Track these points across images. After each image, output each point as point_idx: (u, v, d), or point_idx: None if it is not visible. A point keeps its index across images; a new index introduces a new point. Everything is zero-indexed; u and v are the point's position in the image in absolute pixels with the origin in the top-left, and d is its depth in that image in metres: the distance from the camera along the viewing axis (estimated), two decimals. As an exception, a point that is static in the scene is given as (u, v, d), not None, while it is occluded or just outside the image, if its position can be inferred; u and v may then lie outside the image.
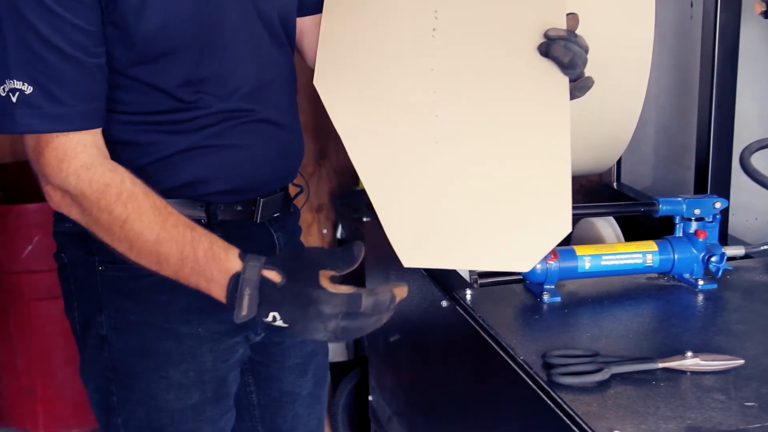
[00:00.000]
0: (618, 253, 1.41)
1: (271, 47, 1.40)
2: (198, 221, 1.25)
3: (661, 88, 2.02)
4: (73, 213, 1.23)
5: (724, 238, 1.71)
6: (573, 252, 1.39)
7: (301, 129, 1.51)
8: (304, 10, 1.49)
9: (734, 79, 1.69)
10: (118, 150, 1.28)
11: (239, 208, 1.40)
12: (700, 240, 1.42)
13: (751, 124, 1.76)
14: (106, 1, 1.20)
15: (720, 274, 1.41)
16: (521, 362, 1.16)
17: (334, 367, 2.75)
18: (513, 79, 1.35)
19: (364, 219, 1.91)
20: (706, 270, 1.42)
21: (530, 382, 1.12)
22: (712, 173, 1.72)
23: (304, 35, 1.52)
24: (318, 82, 1.37)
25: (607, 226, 1.72)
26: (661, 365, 1.11)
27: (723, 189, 1.71)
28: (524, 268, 1.28)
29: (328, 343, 1.70)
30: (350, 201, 2.74)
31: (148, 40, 1.24)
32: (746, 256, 1.51)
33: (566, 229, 1.26)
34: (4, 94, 1.18)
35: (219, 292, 1.18)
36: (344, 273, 1.18)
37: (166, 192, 1.26)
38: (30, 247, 2.59)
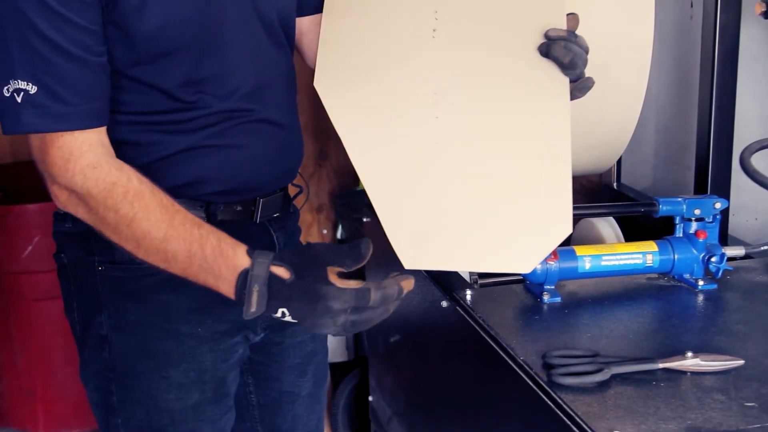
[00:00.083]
0: (618, 254, 1.41)
1: (271, 47, 1.40)
2: (198, 221, 1.25)
3: (661, 88, 2.02)
4: (80, 212, 1.23)
5: (724, 239, 1.71)
6: (573, 252, 1.39)
7: (301, 129, 1.51)
8: (304, 10, 1.49)
9: (734, 80, 1.70)
10: (118, 150, 1.27)
11: (239, 208, 1.40)
12: (700, 240, 1.42)
13: (751, 124, 1.76)
14: (106, 1, 1.20)
15: (720, 274, 1.41)
16: (521, 362, 1.16)
17: (334, 367, 2.75)
18: (513, 79, 1.35)
19: (364, 219, 1.91)
20: (706, 270, 1.42)
21: (530, 383, 1.12)
22: (712, 173, 1.72)
23: (303, 35, 1.52)
24: (318, 83, 1.37)
25: (607, 227, 1.72)
26: (661, 365, 1.11)
27: (723, 189, 1.71)
28: (525, 269, 1.28)
29: (334, 337, 1.71)
30: (350, 201, 2.74)
31: (148, 40, 1.24)
32: (746, 257, 1.51)
33: (567, 230, 1.26)
34: (8, 95, 1.18)
35: (227, 289, 1.18)
36: (351, 270, 1.19)
37: (166, 192, 1.26)
38: (30, 248, 2.59)
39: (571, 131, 1.31)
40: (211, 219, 1.36)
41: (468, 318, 1.33)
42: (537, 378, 1.12)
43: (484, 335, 1.27)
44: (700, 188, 1.75)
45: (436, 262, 1.29)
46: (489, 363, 1.25)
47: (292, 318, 1.16)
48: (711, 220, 1.46)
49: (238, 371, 1.48)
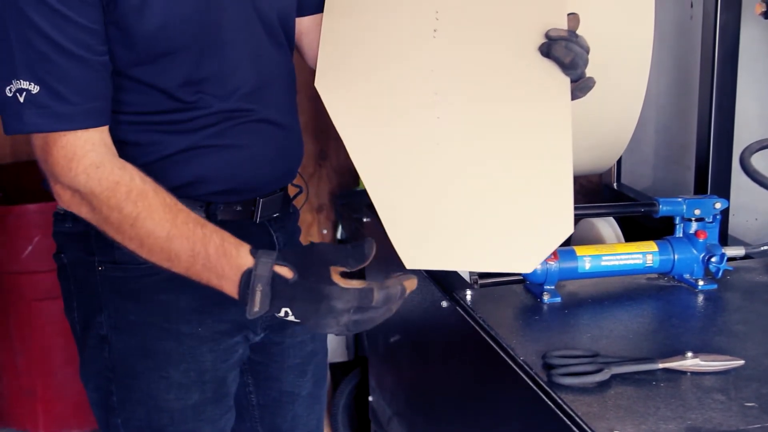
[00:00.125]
0: (618, 254, 1.41)
1: (271, 47, 1.40)
2: (198, 221, 1.25)
3: (661, 88, 2.02)
4: (83, 212, 1.23)
5: (724, 239, 1.71)
6: (573, 252, 1.39)
7: (301, 129, 1.51)
8: (304, 10, 1.49)
9: (734, 80, 1.69)
10: (118, 150, 1.27)
11: (239, 208, 1.40)
12: (701, 240, 1.42)
13: (751, 124, 1.76)
14: (107, 1, 1.20)
15: (720, 274, 1.41)
16: (521, 363, 1.16)
17: (335, 367, 2.75)
18: (514, 79, 1.35)
19: (364, 219, 1.91)
20: (706, 270, 1.42)
21: (530, 383, 1.12)
22: (712, 174, 1.72)
23: (304, 35, 1.52)
24: (319, 83, 1.37)
25: (607, 227, 1.72)
26: (661, 366, 1.11)
27: (723, 189, 1.71)
28: (527, 269, 1.28)
29: (335, 337, 1.71)
30: (350, 201, 2.74)
31: (149, 40, 1.24)
32: (746, 257, 1.51)
33: (568, 229, 1.26)
34: (11, 95, 1.18)
35: (231, 288, 1.19)
36: (354, 270, 1.19)
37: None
38: (30, 248, 2.59)
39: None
40: (211, 219, 1.36)
41: (468, 318, 1.33)
42: (537, 378, 1.12)
43: (484, 335, 1.27)
44: (700, 188, 1.75)
45: (438, 262, 1.29)
46: (489, 363, 1.25)
47: (295, 318, 1.16)
48: (711, 220, 1.46)
49: (238, 371, 1.48)
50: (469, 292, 1.38)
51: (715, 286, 1.40)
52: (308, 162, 2.86)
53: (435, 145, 1.32)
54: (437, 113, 1.34)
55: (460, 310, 1.36)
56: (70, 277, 1.41)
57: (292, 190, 1.55)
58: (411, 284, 1.19)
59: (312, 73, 1.42)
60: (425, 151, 1.32)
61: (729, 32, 1.67)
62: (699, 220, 1.46)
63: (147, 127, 1.31)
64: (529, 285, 1.41)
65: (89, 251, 1.36)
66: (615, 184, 2.10)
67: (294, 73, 1.48)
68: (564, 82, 1.33)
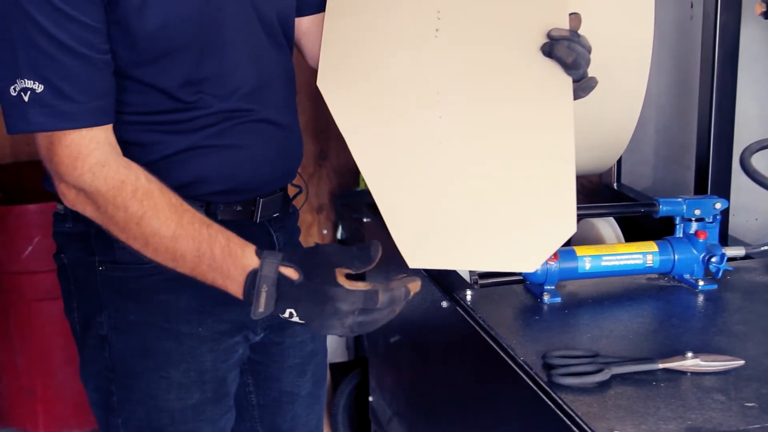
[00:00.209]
0: (618, 254, 1.41)
1: (270, 47, 1.40)
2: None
3: (661, 88, 2.02)
4: (88, 211, 1.23)
5: (725, 239, 1.71)
6: (573, 253, 1.39)
7: (301, 129, 1.51)
8: (304, 10, 1.49)
9: (734, 80, 1.69)
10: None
11: (239, 208, 1.40)
12: (701, 241, 1.42)
13: (751, 124, 1.76)
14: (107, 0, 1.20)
15: (720, 274, 1.40)
16: (521, 363, 1.16)
17: (335, 367, 2.75)
18: (516, 79, 1.35)
19: (365, 219, 1.91)
20: (707, 270, 1.42)
21: (530, 383, 1.12)
22: (712, 174, 1.72)
23: (305, 35, 1.52)
24: (321, 83, 1.37)
25: (607, 227, 1.72)
26: (661, 366, 1.11)
27: (723, 189, 1.71)
28: (529, 268, 1.28)
29: (335, 337, 1.71)
30: (350, 201, 2.74)
31: (149, 40, 1.24)
32: (746, 257, 1.51)
33: (571, 229, 1.26)
34: (15, 94, 1.18)
35: (236, 289, 1.19)
36: (360, 272, 1.19)
37: (167, 191, 1.26)
38: (30, 248, 2.59)
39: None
40: (210, 219, 1.36)
41: (468, 318, 1.33)
42: (537, 378, 1.12)
43: (484, 335, 1.27)
44: (700, 188, 1.75)
45: (440, 262, 1.29)
46: (489, 363, 1.25)
47: (300, 319, 1.16)
48: (711, 220, 1.46)
49: (238, 371, 1.48)
50: (469, 292, 1.38)
51: (715, 287, 1.40)
52: (308, 162, 2.86)
53: (437, 145, 1.32)
54: (439, 113, 1.34)
55: (460, 310, 1.36)
56: (70, 277, 1.41)
57: (291, 190, 1.55)
58: (415, 286, 1.19)
59: (312, 73, 1.42)
60: (427, 151, 1.32)
61: (729, 32, 1.67)
62: (699, 220, 1.46)
63: (147, 127, 1.31)
64: (529, 285, 1.41)
65: (89, 251, 1.36)
66: (615, 184, 2.10)
67: (294, 73, 1.48)
68: (566, 82, 1.33)
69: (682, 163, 1.95)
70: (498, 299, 1.39)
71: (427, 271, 1.49)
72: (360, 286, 1.15)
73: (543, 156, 1.30)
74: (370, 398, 2.06)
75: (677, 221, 1.47)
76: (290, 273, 1.16)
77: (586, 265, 1.39)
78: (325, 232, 2.95)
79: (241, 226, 1.38)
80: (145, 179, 1.21)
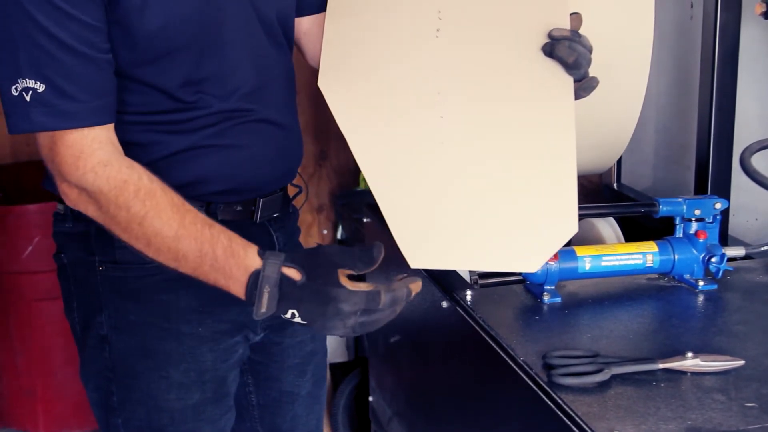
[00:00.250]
0: (618, 254, 1.41)
1: (270, 47, 1.40)
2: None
3: (661, 88, 2.02)
4: (90, 210, 1.23)
5: (725, 239, 1.71)
6: (573, 253, 1.39)
7: (301, 130, 1.51)
8: (305, 10, 1.49)
9: (734, 80, 1.69)
10: (118, 150, 1.28)
11: (239, 208, 1.40)
12: (701, 241, 1.42)
13: (751, 124, 1.76)
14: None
15: (720, 274, 1.40)
16: (521, 363, 1.16)
17: (335, 367, 2.75)
18: (517, 79, 1.35)
19: (365, 220, 1.91)
20: (707, 271, 1.42)
21: (530, 383, 1.12)
22: (712, 174, 1.71)
23: (306, 35, 1.52)
24: (322, 83, 1.37)
25: (607, 227, 1.72)
26: (661, 366, 1.11)
27: (723, 190, 1.71)
28: (531, 268, 1.28)
29: (335, 337, 1.71)
30: (350, 201, 2.74)
31: (149, 40, 1.24)
32: (746, 257, 1.51)
33: (573, 229, 1.26)
34: (17, 94, 1.18)
35: (238, 289, 1.18)
36: (362, 273, 1.19)
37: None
38: (30, 248, 2.59)
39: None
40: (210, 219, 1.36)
41: (468, 318, 1.33)
42: (537, 378, 1.12)
43: (484, 335, 1.27)
44: (700, 188, 1.74)
45: (442, 262, 1.28)
46: (489, 363, 1.25)
47: (302, 319, 1.16)
48: (711, 220, 1.46)
49: (238, 371, 1.48)
50: (469, 292, 1.38)
51: (715, 287, 1.40)
52: (308, 162, 2.86)
53: (439, 145, 1.32)
54: (440, 113, 1.34)
55: (460, 310, 1.36)
56: (70, 277, 1.41)
57: (291, 190, 1.55)
58: (416, 287, 1.19)
59: (312, 73, 1.42)
60: (429, 151, 1.32)
61: (729, 32, 1.67)
62: (699, 220, 1.46)
63: (147, 127, 1.31)
64: (529, 285, 1.41)
65: (89, 251, 1.36)
66: (615, 184, 2.10)
67: (294, 73, 1.48)
68: (567, 81, 1.33)
69: (682, 163, 1.95)
70: (498, 299, 1.39)
71: (427, 271, 1.48)
72: (362, 286, 1.15)
73: (544, 156, 1.30)
74: (370, 398, 2.06)
75: (677, 221, 1.47)
76: (293, 273, 1.16)
77: (586, 265, 1.39)
78: (325, 232, 2.95)
79: (241, 226, 1.38)
80: (148, 179, 1.21)
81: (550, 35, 1.34)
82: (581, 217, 1.70)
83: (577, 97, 1.34)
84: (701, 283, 1.40)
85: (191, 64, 1.29)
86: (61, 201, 1.38)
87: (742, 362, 1.12)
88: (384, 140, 1.33)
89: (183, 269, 1.21)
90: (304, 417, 1.61)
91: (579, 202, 1.29)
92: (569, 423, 1.02)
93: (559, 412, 1.04)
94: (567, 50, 1.31)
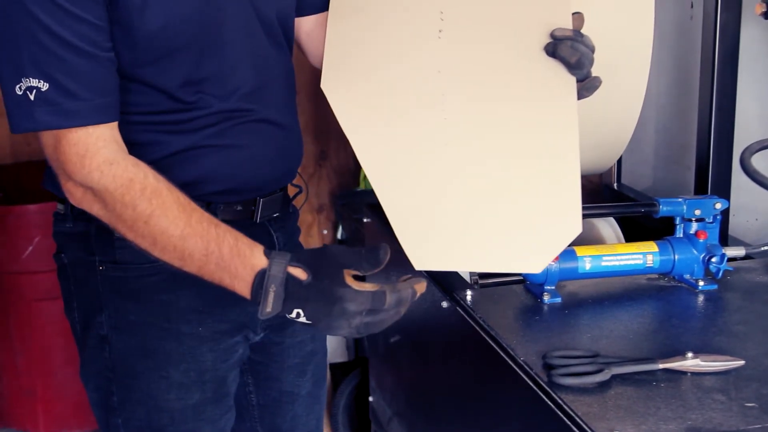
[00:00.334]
0: (618, 254, 1.41)
1: (270, 47, 1.40)
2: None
3: (661, 88, 2.02)
4: (95, 209, 1.23)
5: (725, 239, 1.71)
6: (573, 253, 1.39)
7: (301, 129, 1.51)
8: (306, 10, 1.49)
9: (734, 80, 1.69)
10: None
11: (239, 208, 1.40)
12: (701, 241, 1.42)
13: (751, 124, 1.76)
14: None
15: (720, 274, 1.40)
16: (521, 363, 1.16)
17: (335, 367, 2.75)
18: (520, 79, 1.35)
19: (365, 220, 1.91)
20: (707, 271, 1.42)
21: (530, 383, 1.12)
22: (712, 174, 1.72)
23: (308, 35, 1.52)
24: (325, 84, 1.36)
25: (607, 227, 1.72)
26: (661, 366, 1.11)
27: (723, 190, 1.71)
28: (535, 269, 1.28)
29: (335, 337, 1.71)
30: (350, 201, 2.74)
31: (150, 40, 1.24)
32: (747, 257, 1.51)
33: (577, 229, 1.26)
34: (20, 93, 1.18)
35: (243, 289, 1.18)
36: (367, 274, 1.19)
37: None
38: (30, 248, 2.59)
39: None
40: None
41: (468, 318, 1.33)
42: (537, 378, 1.11)
43: (484, 335, 1.27)
44: (700, 188, 1.74)
45: (447, 263, 1.28)
46: (489, 363, 1.25)
47: (307, 319, 1.16)
48: (711, 220, 1.46)
49: (238, 371, 1.48)
50: (469, 293, 1.38)
51: (715, 287, 1.40)
52: (308, 162, 2.86)
53: (442, 146, 1.32)
54: (444, 114, 1.34)
55: (460, 310, 1.36)
56: (70, 277, 1.41)
57: (291, 190, 1.55)
58: (421, 287, 1.20)
59: (312, 72, 1.42)
60: (432, 152, 1.32)
61: (729, 32, 1.67)
62: (699, 220, 1.46)
63: (147, 127, 1.31)
64: (529, 285, 1.41)
65: (89, 251, 1.36)
66: (615, 185, 2.10)
67: (293, 73, 1.48)
68: (570, 81, 1.33)
69: (682, 163, 1.95)
70: (498, 299, 1.39)
71: (427, 271, 1.48)
72: (368, 287, 1.15)
73: (548, 156, 1.30)
74: (370, 398, 2.06)
75: (677, 221, 1.47)
76: (298, 273, 1.16)
77: (586, 265, 1.39)
78: (325, 232, 2.94)
79: (241, 226, 1.37)
80: (153, 178, 1.21)
81: (552, 35, 1.34)
82: (582, 217, 1.70)
83: (580, 96, 1.34)
84: (701, 283, 1.40)
85: (191, 64, 1.29)
86: (62, 201, 1.38)
87: (742, 362, 1.12)
88: (387, 141, 1.33)
89: (188, 268, 1.21)
90: (304, 417, 1.61)
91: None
92: (569, 423, 1.02)
93: (559, 412, 1.04)
94: (569, 50, 1.31)
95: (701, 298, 1.38)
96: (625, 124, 1.70)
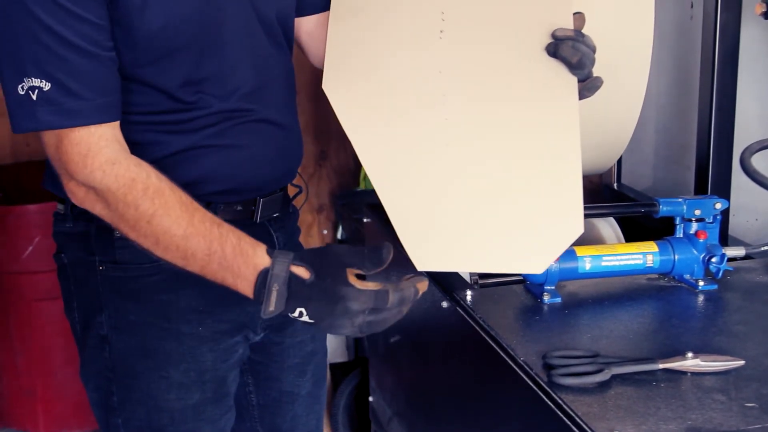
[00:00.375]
0: (618, 254, 1.41)
1: (270, 47, 1.40)
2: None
3: (661, 88, 2.02)
4: (97, 209, 1.23)
5: (725, 239, 1.71)
6: (573, 253, 1.39)
7: (301, 129, 1.51)
8: (307, 10, 1.49)
9: (734, 80, 1.69)
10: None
11: (239, 208, 1.40)
12: (701, 241, 1.42)
13: (751, 124, 1.76)
14: (109, -1, 1.21)
15: (720, 274, 1.40)
16: (521, 363, 1.16)
17: (335, 367, 2.75)
18: (521, 80, 1.35)
19: (365, 220, 1.91)
20: (707, 271, 1.42)
21: (530, 383, 1.12)
22: (712, 174, 1.72)
23: (309, 35, 1.52)
24: (326, 85, 1.36)
25: (607, 227, 1.72)
26: (661, 366, 1.11)
27: (723, 190, 1.71)
28: (538, 269, 1.28)
29: (335, 337, 1.71)
30: (350, 202, 2.74)
31: (150, 40, 1.24)
32: (747, 257, 1.51)
33: (579, 230, 1.26)
34: (23, 93, 1.18)
35: (246, 288, 1.18)
36: (370, 274, 1.19)
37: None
38: (30, 248, 2.59)
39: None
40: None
41: (468, 318, 1.33)
42: (537, 378, 1.12)
43: (484, 335, 1.27)
44: (700, 188, 1.75)
45: (448, 264, 1.28)
46: (489, 363, 1.25)
47: (309, 318, 1.16)
48: (711, 220, 1.46)
49: (238, 371, 1.48)
50: (469, 293, 1.38)
51: (715, 287, 1.40)
52: (308, 162, 2.86)
53: (444, 146, 1.32)
54: (445, 114, 1.33)
55: (460, 310, 1.36)
56: (70, 277, 1.41)
57: (291, 190, 1.55)
58: (423, 286, 1.20)
59: (312, 72, 1.42)
60: (434, 152, 1.32)
61: (729, 32, 1.67)
62: (699, 220, 1.46)
63: (147, 127, 1.31)
64: (529, 285, 1.41)
65: (89, 251, 1.36)
66: (615, 185, 2.10)
67: (293, 73, 1.48)
68: (571, 81, 1.33)
69: (682, 163, 1.95)
70: (498, 299, 1.39)
71: (427, 271, 1.48)
72: (370, 286, 1.15)
73: (549, 156, 1.30)
74: (370, 398, 2.06)
75: (677, 221, 1.47)
76: (301, 272, 1.16)
77: (586, 265, 1.39)
78: (325, 232, 2.94)
79: (241, 226, 1.37)
80: (156, 177, 1.21)
81: (553, 35, 1.34)
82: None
83: (582, 96, 1.34)
84: (701, 283, 1.40)
85: (191, 64, 1.29)
86: (62, 201, 1.38)
87: (742, 362, 1.12)
88: (388, 141, 1.33)
89: (191, 267, 1.21)
90: (304, 417, 1.61)
91: (582, 203, 1.29)
92: (569, 423, 1.02)
93: (559, 412, 1.04)
94: (571, 50, 1.31)
95: (701, 298, 1.38)
96: (625, 124, 1.70)
